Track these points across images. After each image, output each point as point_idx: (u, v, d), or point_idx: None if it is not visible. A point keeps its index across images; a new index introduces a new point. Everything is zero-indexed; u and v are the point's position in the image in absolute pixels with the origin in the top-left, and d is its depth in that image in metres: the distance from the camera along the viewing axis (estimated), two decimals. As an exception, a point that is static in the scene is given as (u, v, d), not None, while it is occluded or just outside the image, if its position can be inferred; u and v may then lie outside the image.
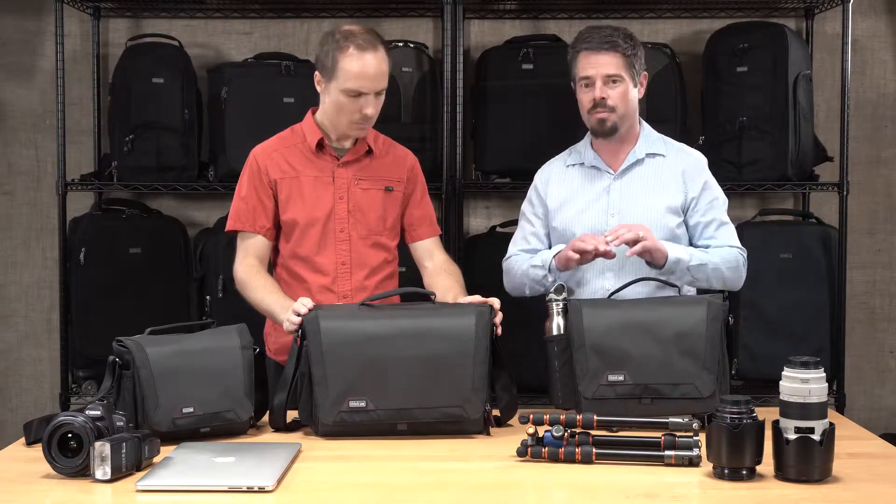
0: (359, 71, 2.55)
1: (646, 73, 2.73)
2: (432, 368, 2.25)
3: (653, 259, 2.57)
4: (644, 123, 2.78)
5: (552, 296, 2.44)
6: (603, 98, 2.66)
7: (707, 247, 2.69)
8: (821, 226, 3.66)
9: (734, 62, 3.56)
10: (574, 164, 2.78)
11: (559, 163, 2.82)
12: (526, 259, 2.75)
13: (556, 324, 2.43)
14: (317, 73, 2.63)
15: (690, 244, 2.73)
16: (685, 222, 2.72)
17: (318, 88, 2.64)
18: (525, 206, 2.85)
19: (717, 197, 2.74)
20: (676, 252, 2.56)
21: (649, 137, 2.76)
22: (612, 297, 2.51)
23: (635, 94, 2.70)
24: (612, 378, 2.32)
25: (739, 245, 2.72)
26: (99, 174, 3.74)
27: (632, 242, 2.51)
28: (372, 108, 2.59)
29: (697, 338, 2.32)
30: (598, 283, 2.67)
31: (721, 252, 2.66)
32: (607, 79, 2.66)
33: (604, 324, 2.35)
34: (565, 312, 2.41)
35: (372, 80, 2.57)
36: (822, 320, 3.55)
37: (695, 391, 2.30)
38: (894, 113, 3.91)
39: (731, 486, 1.88)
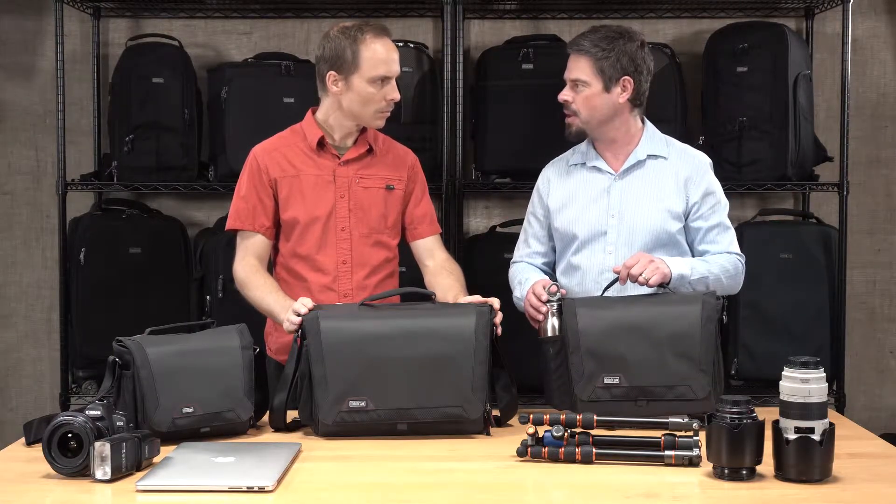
0: (386, 55, 2.60)
1: (629, 77, 2.65)
2: (432, 368, 2.25)
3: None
4: (648, 124, 2.77)
5: (547, 296, 2.44)
6: (565, 100, 2.69)
7: (707, 251, 2.69)
8: (821, 226, 3.66)
9: (734, 62, 3.56)
10: (576, 164, 2.78)
11: (562, 163, 2.82)
12: (517, 275, 2.76)
13: (551, 325, 2.43)
14: (331, 72, 2.61)
15: (690, 246, 2.73)
16: (686, 225, 2.71)
17: (335, 88, 2.62)
18: (529, 207, 2.85)
19: (719, 201, 2.73)
20: (679, 268, 2.54)
21: (652, 138, 2.76)
22: (606, 291, 2.53)
23: (607, 98, 2.66)
24: (607, 380, 2.32)
25: (738, 251, 2.72)
26: (99, 174, 3.74)
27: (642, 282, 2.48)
28: (397, 92, 2.63)
29: (692, 339, 2.33)
30: (599, 283, 2.67)
31: (720, 260, 2.65)
32: (573, 83, 2.68)
33: (599, 326, 2.35)
34: (560, 313, 2.42)
35: (396, 62, 2.63)
36: (822, 320, 3.55)
37: (690, 393, 2.31)
38: (894, 113, 3.91)
39: (731, 486, 1.88)
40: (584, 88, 2.66)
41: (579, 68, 2.66)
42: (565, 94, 2.69)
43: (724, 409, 1.90)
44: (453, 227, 3.59)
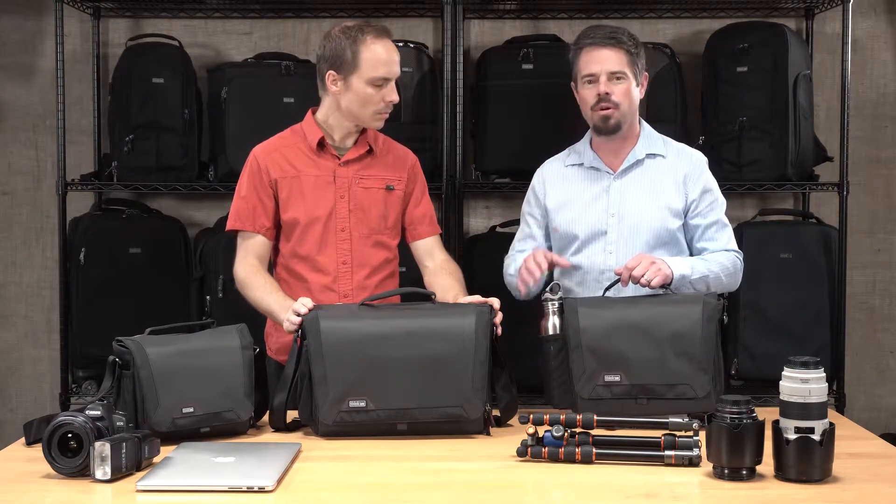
0: (386, 57, 2.60)
1: (647, 73, 2.73)
2: (432, 368, 2.25)
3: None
4: (644, 123, 2.78)
5: (548, 295, 2.45)
6: (608, 93, 2.64)
7: (705, 249, 2.69)
8: (821, 226, 3.66)
9: (734, 62, 3.56)
10: (573, 165, 2.78)
11: (558, 163, 2.82)
12: (511, 263, 2.77)
13: (553, 323, 2.43)
14: (330, 72, 2.61)
15: (688, 244, 2.73)
16: (685, 223, 2.72)
17: (334, 88, 2.62)
18: (524, 207, 2.85)
19: (716, 198, 2.74)
20: (681, 269, 2.54)
21: (650, 137, 2.76)
22: (607, 291, 2.53)
23: (637, 93, 2.70)
24: (608, 379, 2.33)
25: (736, 248, 2.72)
26: (99, 174, 3.74)
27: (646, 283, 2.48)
28: (396, 94, 2.63)
29: (693, 339, 2.33)
30: (600, 283, 2.67)
31: (719, 258, 2.66)
32: (611, 75, 2.64)
33: (600, 324, 2.36)
34: (561, 312, 2.42)
35: (396, 64, 2.62)
36: (822, 320, 3.55)
37: (690, 391, 2.31)
38: (894, 113, 3.91)
39: (731, 486, 1.88)
40: (623, 81, 2.65)
41: (618, 61, 2.64)
42: (606, 87, 2.64)
43: (724, 409, 1.90)
44: (453, 227, 3.59)
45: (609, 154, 2.75)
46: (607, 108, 2.65)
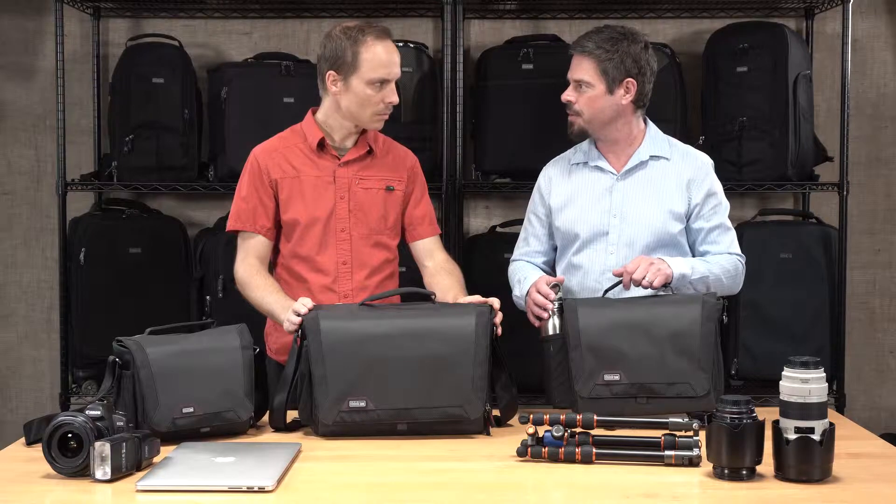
0: (386, 58, 2.59)
1: (632, 79, 2.65)
2: (432, 368, 2.25)
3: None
4: (650, 124, 2.77)
5: (554, 296, 2.44)
6: (568, 101, 2.68)
7: (708, 252, 2.69)
8: (821, 226, 3.66)
9: (734, 62, 3.56)
10: (578, 164, 2.78)
11: (563, 162, 2.82)
12: (516, 273, 2.76)
13: (552, 323, 2.44)
14: (330, 72, 2.60)
15: (691, 247, 2.73)
16: (687, 226, 2.71)
17: (334, 88, 2.61)
18: (529, 205, 2.85)
19: (720, 202, 2.73)
20: (681, 268, 2.55)
21: (655, 139, 2.75)
22: (607, 293, 2.52)
23: (610, 100, 2.65)
24: (607, 377, 2.33)
25: (739, 252, 2.72)
26: (99, 174, 3.74)
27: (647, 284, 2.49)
28: (396, 95, 2.63)
29: (692, 337, 2.33)
30: (600, 283, 2.67)
31: (721, 261, 2.66)
32: (576, 83, 2.67)
33: (599, 323, 2.36)
34: (561, 312, 2.42)
35: (396, 65, 2.62)
36: (822, 320, 3.55)
37: (690, 390, 2.31)
38: (894, 113, 3.91)
39: (731, 486, 1.88)
40: (588, 89, 2.65)
41: (583, 69, 2.66)
42: (568, 95, 2.68)
43: (724, 409, 1.90)
44: (453, 227, 3.59)
45: (613, 155, 2.74)
46: (570, 115, 2.69)
